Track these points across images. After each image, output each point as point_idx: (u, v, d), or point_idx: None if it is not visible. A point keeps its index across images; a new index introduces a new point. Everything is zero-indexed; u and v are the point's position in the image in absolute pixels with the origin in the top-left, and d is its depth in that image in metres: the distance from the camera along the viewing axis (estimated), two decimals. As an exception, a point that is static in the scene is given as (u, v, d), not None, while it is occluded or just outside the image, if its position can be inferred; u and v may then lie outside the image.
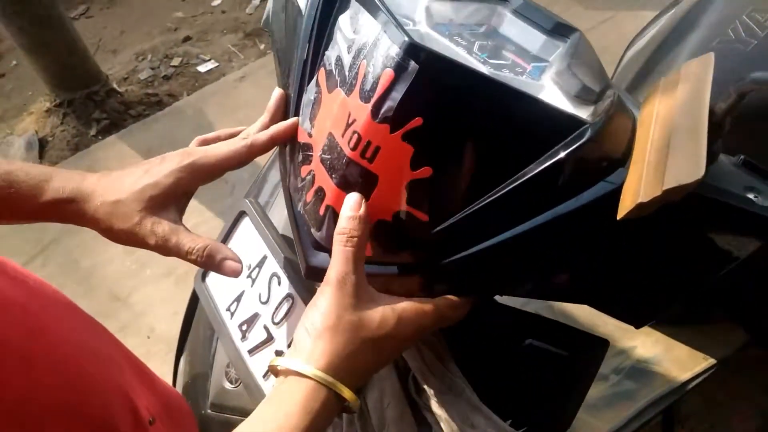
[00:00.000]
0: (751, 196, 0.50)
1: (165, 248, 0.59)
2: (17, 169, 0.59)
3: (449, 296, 0.55)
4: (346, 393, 0.49)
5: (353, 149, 0.52)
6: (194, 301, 0.93)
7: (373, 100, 0.51)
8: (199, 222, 2.10)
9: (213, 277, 0.80)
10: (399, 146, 0.51)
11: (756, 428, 1.52)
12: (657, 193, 0.43)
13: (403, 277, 0.57)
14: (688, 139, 0.44)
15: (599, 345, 0.64)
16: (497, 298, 0.67)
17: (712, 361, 1.26)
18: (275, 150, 0.97)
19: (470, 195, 0.52)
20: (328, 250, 0.60)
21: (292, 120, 0.63)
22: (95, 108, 2.49)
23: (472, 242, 0.53)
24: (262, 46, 2.87)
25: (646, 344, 1.31)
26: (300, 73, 0.62)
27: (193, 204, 2.04)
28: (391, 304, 0.53)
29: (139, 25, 3.13)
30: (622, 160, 0.51)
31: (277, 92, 0.66)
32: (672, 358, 1.29)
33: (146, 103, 2.63)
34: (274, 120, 0.65)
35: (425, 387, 0.65)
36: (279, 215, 0.80)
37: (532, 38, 0.61)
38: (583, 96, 0.52)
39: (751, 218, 0.49)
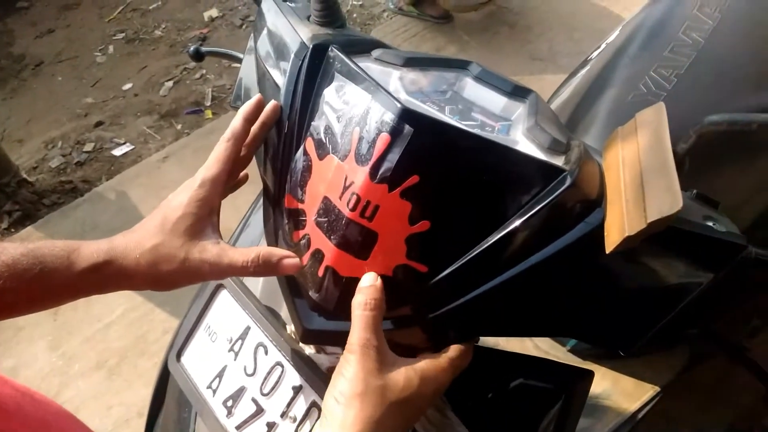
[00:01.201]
0: (710, 224, 0.56)
1: (219, 271, 0.58)
2: (40, 246, 0.57)
3: (456, 345, 0.58)
4: None
5: (353, 210, 0.55)
6: (162, 383, 0.90)
7: (370, 163, 0.54)
8: (129, 308, 2.02)
9: (189, 355, 0.79)
10: (397, 203, 0.54)
11: (700, 452, 1.60)
12: (642, 225, 0.48)
13: (409, 329, 0.59)
14: (660, 177, 0.50)
15: (585, 376, 0.68)
16: (481, 342, 0.70)
17: (656, 388, 1.33)
18: (243, 219, 0.98)
19: (466, 243, 0.56)
20: (328, 312, 0.61)
21: (256, 96, 0.64)
22: (6, 200, 2.37)
23: (470, 288, 0.57)
24: (179, 126, 2.86)
25: (594, 380, 1.37)
26: (285, 144, 0.64)
27: (128, 294, 1.96)
28: (411, 365, 0.55)
29: (46, 113, 3.04)
30: (598, 201, 0.56)
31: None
32: (620, 391, 1.36)
33: (60, 191, 2.54)
34: (246, 119, 0.64)
35: (426, 439, 0.66)
36: (253, 285, 0.80)
37: (494, 100, 0.67)
38: (554, 148, 0.58)
39: (713, 242, 0.55)
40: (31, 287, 0.55)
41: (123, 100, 3.08)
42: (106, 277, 0.57)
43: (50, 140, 2.85)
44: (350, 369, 0.52)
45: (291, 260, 0.58)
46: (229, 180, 0.63)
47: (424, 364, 0.55)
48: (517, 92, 0.66)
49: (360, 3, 3.52)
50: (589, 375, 0.68)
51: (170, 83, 3.12)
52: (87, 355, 1.91)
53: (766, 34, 1.11)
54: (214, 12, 3.58)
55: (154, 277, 0.58)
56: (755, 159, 0.97)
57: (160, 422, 0.88)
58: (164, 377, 0.89)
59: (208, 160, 0.62)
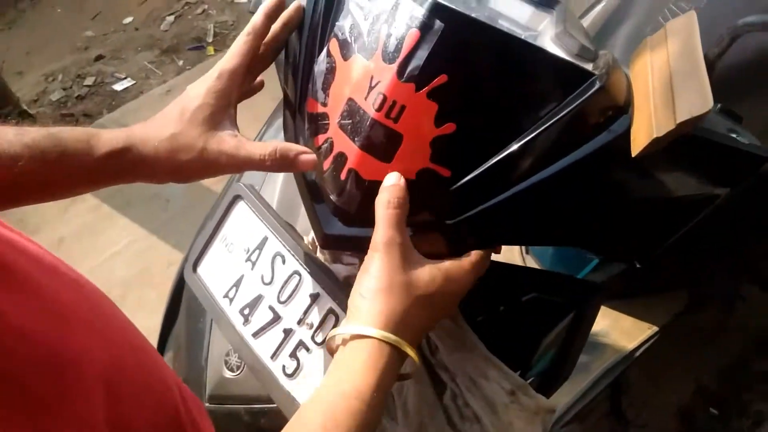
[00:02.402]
0: (733, 136, 0.57)
1: (236, 164, 0.58)
2: (59, 130, 0.56)
3: (477, 251, 0.59)
4: (408, 349, 0.51)
5: (378, 110, 0.55)
6: (176, 297, 0.91)
7: (398, 61, 0.53)
8: (133, 240, 2.03)
9: (206, 266, 0.80)
10: (424, 104, 0.54)
11: (692, 392, 1.64)
12: (671, 126, 0.48)
13: (430, 234, 0.59)
14: (691, 79, 0.50)
15: (596, 289, 0.69)
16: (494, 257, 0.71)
17: (655, 328, 1.36)
18: (259, 133, 0.98)
19: (491, 148, 0.56)
20: (349, 216, 0.62)
21: None
22: (7, 130, 2.35)
23: (492, 194, 0.57)
24: (180, 63, 2.82)
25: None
26: (307, 47, 0.63)
27: (125, 222, 1.99)
28: (435, 264, 0.56)
29: (45, 45, 3.00)
30: (624, 108, 0.56)
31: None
32: (619, 329, 1.38)
33: (61, 124, 2.51)
34: (267, 15, 0.63)
35: (439, 345, 0.67)
36: (270, 197, 0.80)
37: (520, 10, 0.65)
38: (583, 54, 0.57)
39: (736, 153, 0.56)
40: (51, 170, 0.55)
41: (124, 34, 3.03)
42: (125, 164, 0.57)
43: (50, 73, 2.82)
44: (375, 265, 0.53)
45: (308, 156, 0.58)
46: (247, 76, 0.63)
47: (448, 264, 0.56)
48: (545, 2, 0.65)
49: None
50: (599, 290, 0.69)
51: (171, 18, 3.06)
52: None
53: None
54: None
55: (171, 166, 0.58)
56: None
57: (174, 334, 0.90)
58: (178, 291, 0.90)
59: (226, 54, 0.61)
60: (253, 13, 0.73)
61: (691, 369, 1.68)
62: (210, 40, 2.90)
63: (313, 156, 0.58)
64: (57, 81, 2.77)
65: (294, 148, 0.58)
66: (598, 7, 1.27)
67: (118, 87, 2.72)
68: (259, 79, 0.70)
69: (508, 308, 0.70)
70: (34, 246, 0.50)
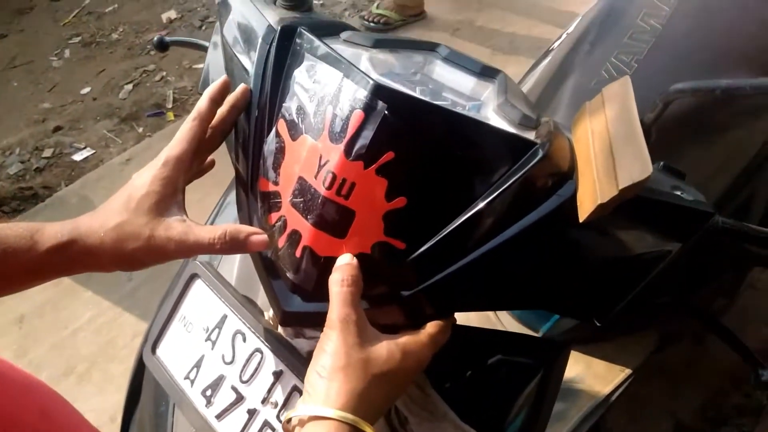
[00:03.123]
0: (678, 193, 0.58)
1: (185, 249, 0.57)
2: (2, 227, 0.56)
3: (435, 321, 0.59)
4: (368, 429, 0.50)
5: (329, 188, 0.55)
6: (137, 380, 0.88)
7: (345, 140, 0.54)
8: (96, 314, 1.98)
9: (165, 347, 0.78)
10: (373, 180, 0.55)
11: (671, 431, 1.64)
12: (614, 192, 0.49)
13: (387, 307, 0.59)
14: (629, 145, 0.52)
15: (562, 349, 0.69)
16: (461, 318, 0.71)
17: (628, 371, 1.36)
18: (215, 209, 0.98)
19: (442, 219, 0.57)
20: (307, 293, 0.61)
21: (222, 78, 0.64)
22: (-37, 207, 2.31)
23: (448, 263, 0.57)
24: (140, 129, 2.82)
25: (568, 365, 1.39)
26: (256, 127, 0.64)
27: (89, 295, 1.94)
28: (392, 339, 0.56)
29: (1, 119, 2.96)
30: (569, 173, 0.57)
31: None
32: (593, 374, 1.38)
33: (20, 198, 2.48)
34: (212, 99, 0.64)
35: (408, 416, 0.66)
36: (228, 274, 0.80)
37: (463, 81, 0.67)
38: (525, 123, 0.59)
39: (682, 211, 0.57)
40: None
41: (81, 104, 3.02)
42: (71, 256, 0.57)
43: (7, 147, 2.78)
44: (331, 344, 0.53)
45: (259, 237, 0.58)
46: (194, 160, 0.63)
47: (406, 339, 0.56)
48: (486, 72, 0.67)
49: (321, 2, 3.52)
50: (566, 348, 0.70)
51: (130, 86, 3.07)
52: (55, 363, 1.86)
53: (720, 19, 1.15)
54: (172, 13, 3.53)
55: (119, 255, 0.57)
56: (719, 133, 1.00)
57: (137, 419, 0.87)
58: (139, 373, 0.88)
59: (172, 140, 0.62)
60: (201, 93, 0.74)
61: (669, 407, 1.68)
62: (170, 105, 2.91)
63: (263, 237, 0.58)
64: (14, 154, 2.73)
65: (244, 230, 0.58)
66: (543, 63, 1.31)
67: (78, 157, 2.69)
68: (209, 159, 0.70)
69: (476, 372, 0.70)
70: None
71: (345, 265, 0.55)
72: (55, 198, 2.40)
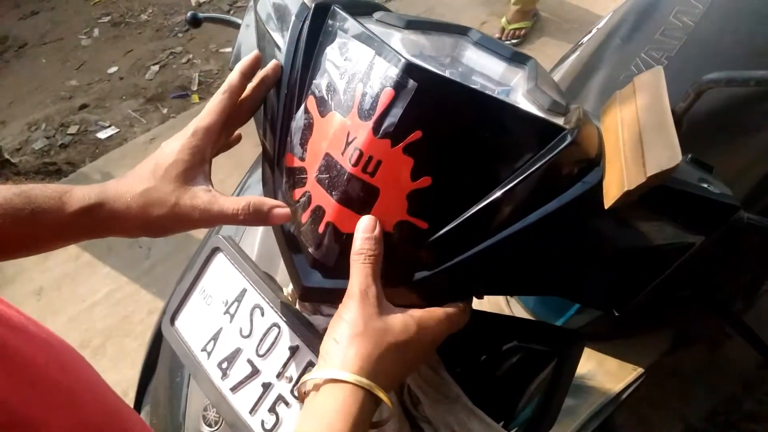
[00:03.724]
0: (705, 185, 0.58)
1: (209, 218, 0.58)
2: (31, 188, 0.57)
3: (456, 303, 0.59)
4: (381, 394, 0.50)
5: (355, 165, 0.56)
6: (154, 350, 0.90)
7: (374, 118, 0.54)
8: (114, 289, 2.01)
9: (183, 319, 0.79)
10: (400, 159, 0.55)
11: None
12: (642, 180, 0.49)
13: (407, 287, 0.59)
14: (659, 133, 0.51)
15: (578, 339, 0.69)
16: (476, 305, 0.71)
17: (640, 370, 1.35)
18: (238, 187, 0.98)
19: (466, 200, 0.57)
20: (327, 269, 0.62)
21: (254, 52, 0.65)
22: (-11, 179, 2.35)
23: (470, 245, 0.58)
24: (164, 111, 2.84)
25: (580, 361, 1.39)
26: (285, 104, 0.64)
27: (107, 270, 1.96)
28: (409, 312, 0.56)
29: (29, 95, 3.01)
30: (596, 160, 0.57)
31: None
32: (604, 372, 1.38)
33: (44, 173, 2.51)
34: (243, 73, 0.65)
35: (421, 397, 0.67)
36: (250, 249, 0.80)
37: (493, 66, 0.67)
38: (554, 109, 0.59)
39: (708, 203, 0.57)
40: (23, 228, 0.55)
41: (108, 83, 3.05)
42: (98, 220, 0.58)
43: (34, 122, 2.82)
44: (350, 313, 0.53)
45: (282, 209, 0.58)
46: (222, 133, 0.63)
47: (422, 313, 0.57)
48: (517, 58, 0.67)
49: None
50: (581, 338, 0.70)
51: (156, 67, 3.09)
52: (70, 336, 1.89)
53: (753, 17, 1.13)
54: (201, -3, 3.55)
55: (144, 221, 0.58)
56: (751, 131, 0.99)
57: (152, 389, 0.88)
58: (156, 344, 0.89)
59: (202, 112, 0.62)
60: (231, 70, 0.75)
61: (679, 410, 1.67)
62: (195, 88, 2.93)
63: (286, 210, 0.59)
64: (40, 130, 2.77)
65: (267, 202, 0.59)
66: (572, 57, 1.30)
67: (102, 135, 2.72)
68: (236, 133, 0.71)
69: (490, 358, 0.70)
70: (2, 306, 0.50)
71: (367, 238, 0.56)
72: (79, 174, 2.43)
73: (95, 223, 0.58)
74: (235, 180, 1.05)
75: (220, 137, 0.64)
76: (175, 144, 0.60)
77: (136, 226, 0.59)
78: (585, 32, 1.44)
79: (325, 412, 0.49)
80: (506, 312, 1.34)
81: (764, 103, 0.99)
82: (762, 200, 1.05)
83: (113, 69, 3.12)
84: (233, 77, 0.63)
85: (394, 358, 0.53)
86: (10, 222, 0.54)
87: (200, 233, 2.10)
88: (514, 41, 2.89)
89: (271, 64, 0.65)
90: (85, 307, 1.97)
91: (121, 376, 1.78)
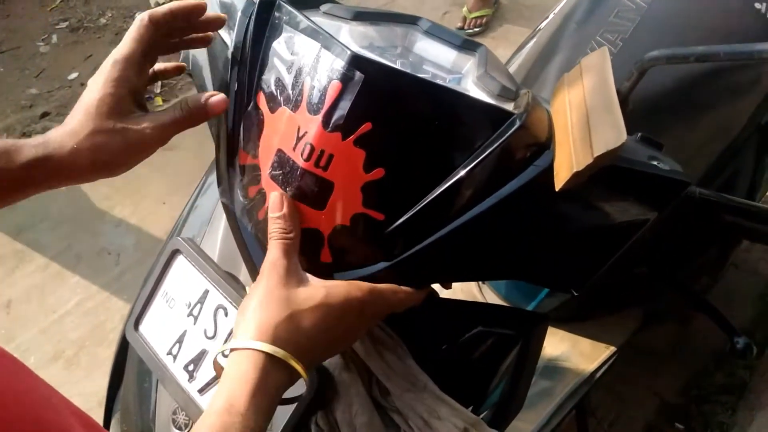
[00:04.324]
0: (654, 163, 0.59)
1: (161, 134, 0.60)
2: None
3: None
4: (293, 362, 0.50)
5: (307, 160, 0.55)
6: (121, 358, 0.89)
7: (323, 111, 0.54)
8: (85, 297, 1.98)
9: (147, 323, 0.78)
10: (351, 151, 0.55)
11: (655, 409, 1.66)
12: (589, 160, 0.50)
13: (368, 279, 0.59)
14: (605, 114, 0.52)
15: (540, 320, 0.70)
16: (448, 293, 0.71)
17: (613, 348, 1.37)
18: (197, 189, 0.97)
19: (421, 190, 0.57)
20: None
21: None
22: (-51, 192, 2.28)
23: (427, 234, 0.58)
24: (129, 115, 2.79)
25: (553, 343, 1.40)
26: (236, 101, 0.64)
27: (76, 279, 1.92)
28: (322, 282, 0.56)
29: (-12, 105, 2.93)
30: (546, 144, 0.58)
31: None
32: (578, 352, 1.40)
33: (7, 183, 2.45)
34: (174, 14, 0.63)
35: (390, 387, 0.67)
36: (211, 250, 0.80)
37: (444, 54, 0.68)
38: (503, 95, 0.59)
39: (658, 180, 0.58)
40: None
41: (69, 89, 2.99)
42: (49, 170, 0.57)
43: (-6, 132, 2.76)
44: (256, 287, 0.54)
45: (217, 98, 0.60)
46: (145, 60, 0.62)
47: (335, 282, 0.56)
48: (467, 45, 0.67)
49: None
50: (543, 319, 0.70)
51: (118, 71, 3.04)
52: (43, 348, 1.86)
53: (703, -2, 1.15)
54: (160, -2, 3.50)
55: (97, 163, 0.58)
56: (703, 110, 1.01)
57: (120, 396, 0.87)
58: (123, 351, 0.88)
59: (120, 43, 0.61)
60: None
61: (654, 386, 1.70)
62: (158, 91, 2.88)
63: (221, 96, 0.60)
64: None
65: (200, 96, 0.60)
66: (530, 43, 1.31)
67: (65, 142, 2.67)
68: (176, 64, 0.71)
69: (456, 344, 0.70)
70: None
71: (276, 218, 0.56)
72: (42, 183, 2.39)
73: (47, 175, 0.58)
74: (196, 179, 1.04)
75: (144, 66, 0.62)
76: (98, 79, 0.59)
77: (90, 170, 0.59)
78: (544, 17, 1.45)
79: (227, 380, 0.49)
80: (479, 298, 1.35)
81: (716, 81, 1.01)
82: (719, 177, 1.07)
83: (74, 75, 3.06)
84: (161, 11, 0.62)
85: (305, 327, 0.52)
86: None
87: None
88: (476, 29, 2.89)
89: (220, 98, 0.62)
90: (56, 318, 1.94)
91: (95, 386, 1.76)
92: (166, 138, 0.61)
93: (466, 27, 2.90)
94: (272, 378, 0.50)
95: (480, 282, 1.36)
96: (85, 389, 1.75)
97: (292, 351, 0.51)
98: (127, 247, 2.10)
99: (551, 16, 1.39)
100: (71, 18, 3.44)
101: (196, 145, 2.42)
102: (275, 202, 0.57)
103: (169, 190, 2.28)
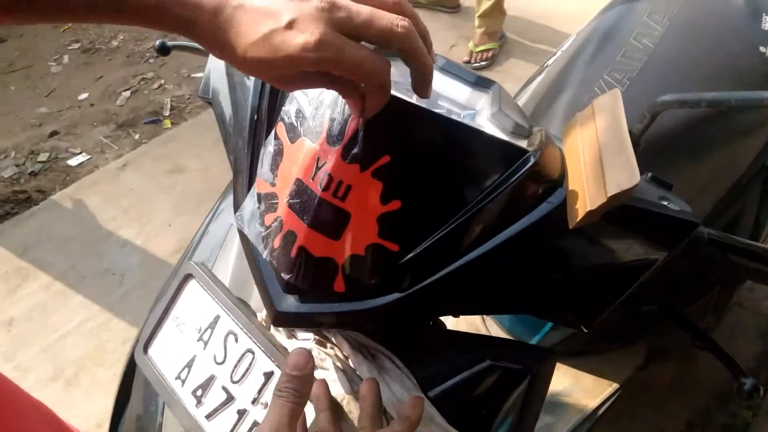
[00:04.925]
0: (665, 203, 0.60)
1: None
2: None
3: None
4: None
5: (325, 189, 0.57)
6: (127, 379, 0.89)
7: (342, 143, 0.56)
8: (87, 317, 1.98)
9: (157, 347, 0.78)
10: (369, 183, 0.56)
11: (657, 446, 1.65)
12: (602, 200, 0.51)
13: (379, 310, 0.60)
14: (618, 154, 0.53)
15: (549, 356, 0.70)
16: (452, 325, 0.72)
17: (616, 385, 1.37)
18: (210, 214, 0.98)
19: (435, 223, 0.58)
20: (299, 294, 0.62)
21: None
22: (-44, 208, 2.30)
23: (440, 267, 0.59)
24: (136, 136, 2.82)
25: (555, 378, 1.40)
26: (255, 130, 0.65)
27: (80, 299, 1.93)
28: None
29: (-3, 123, 2.97)
30: (559, 181, 0.59)
31: None
32: (581, 388, 1.39)
33: (13, 201, 2.47)
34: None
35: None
36: (223, 275, 0.80)
37: (458, 91, 0.69)
38: (517, 132, 0.61)
39: (668, 220, 0.59)
40: None
41: (78, 110, 3.02)
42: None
43: (2, 150, 2.78)
44: None
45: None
46: None
47: None
48: (481, 83, 0.68)
49: None
50: (552, 355, 0.71)
51: (128, 93, 3.08)
52: (43, 367, 1.85)
53: (709, 40, 1.17)
54: (173, 23, 3.55)
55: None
56: (709, 149, 1.03)
57: (126, 418, 0.87)
58: (129, 373, 0.88)
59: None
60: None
61: (657, 423, 1.69)
62: (167, 113, 2.92)
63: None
64: (9, 158, 2.73)
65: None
66: (538, 80, 1.34)
67: (73, 162, 2.69)
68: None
69: (463, 377, 0.71)
70: None
71: (294, 377, 0.53)
72: (49, 202, 2.40)
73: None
74: (208, 204, 1.05)
75: None
76: None
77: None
78: (551, 53, 1.48)
79: None
80: (482, 331, 1.35)
81: (719, 122, 1.02)
82: (723, 216, 1.08)
83: (84, 95, 3.10)
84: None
85: None
86: None
87: (174, 259, 2.09)
88: (482, 63, 2.94)
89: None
90: (58, 338, 1.93)
91: (94, 408, 1.75)
92: None
93: (472, 61, 2.95)
94: None
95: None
96: (84, 411, 1.74)
97: None
98: (132, 268, 2.11)
99: (558, 53, 1.42)
100: (83, 39, 3.50)
101: (204, 169, 2.45)
102: (298, 360, 0.53)
103: (175, 212, 2.29)
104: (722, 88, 1.08)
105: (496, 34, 2.96)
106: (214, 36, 0.48)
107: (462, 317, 1.40)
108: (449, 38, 3.19)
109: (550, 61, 1.43)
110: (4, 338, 1.94)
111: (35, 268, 2.13)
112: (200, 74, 3.10)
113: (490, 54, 2.94)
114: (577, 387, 1.39)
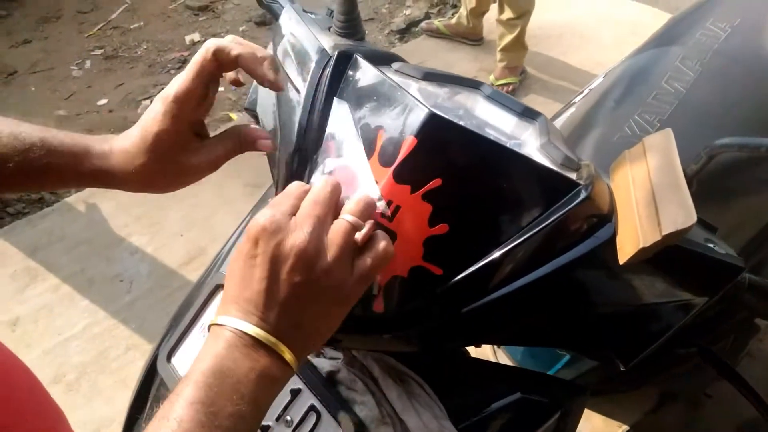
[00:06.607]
0: (711, 246, 0.59)
1: (214, 164, 0.64)
2: (53, 136, 0.61)
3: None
4: (254, 330, 0.49)
5: (373, 209, 0.56)
6: (146, 385, 0.88)
7: (395, 164, 0.56)
8: (92, 322, 1.96)
9: (181, 356, 0.78)
10: (418, 205, 0.56)
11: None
12: (657, 237, 0.51)
13: (416, 331, 0.60)
14: (673, 193, 0.53)
15: (581, 392, 0.69)
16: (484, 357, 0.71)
17: (625, 427, 1.36)
18: (240, 225, 0.98)
19: (481, 249, 0.57)
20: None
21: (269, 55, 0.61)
22: (-31, 205, 2.31)
23: (482, 294, 0.58)
24: (153, 145, 2.83)
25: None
26: (303, 146, 0.65)
27: (86, 303, 1.91)
28: None
29: (16, 122, 2.98)
30: (608, 216, 0.59)
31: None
32: (591, 428, 1.38)
33: (26, 201, 2.47)
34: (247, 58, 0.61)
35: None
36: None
37: (505, 120, 0.69)
38: (567, 164, 0.61)
39: (714, 263, 0.58)
40: (34, 174, 0.61)
41: (97, 115, 3.05)
42: (106, 180, 0.62)
43: (19, 150, 2.79)
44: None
45: (266, 142, 0.64)
46: (207, 91, 0.62)
47: None
48: (527, 113, 0.69)
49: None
50: (584, 392, 0.70)
51: (147, 102, 3.10)
52: (44, 369, 1.83)
53: (740, 86, 1.18)
54: (196, 36, 3.60)
55: (151, 183, 0.63)
56: (748, 194, 1.03)
57: (141, 424, 0.85)
58: (149, 379, 0.87)
59: (182, 74, 0.61)
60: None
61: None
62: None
63: (269, 143, 0.64)
64: (25, 158, 2.74)
65: (254, 131, 0.64)
66: (564, 115, 1.34)
67: (88, 166, 2.70)
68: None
69: (493, 409, 0.70)
70: None
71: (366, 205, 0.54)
72: (63, 204, 2.40)
73: (105, 182, 0.63)
74: (221, 217, 1.04)
75: (205, 97, 0.62)
76: (159, 108, 0.60)
77: (141, 187, 0.63)
78: (571, 90, 1.49)
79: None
80: (493, 360, 1.34)
81: (752, 169, 1.03)
82: (752, 259, 1.08)
83: (103, 101, 3.12)
84: (223, 47, 0.59)
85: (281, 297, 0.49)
86: (23, 166, 0.59)
87: (184, 270, 2.08)
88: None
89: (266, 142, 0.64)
90: (61, 341, 1.92)
91: (93, 414, 1.73)
92: (218, 166, 0.65)
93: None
94: (244, 354, 0.50)
95: (496, 345, 1.35)
96: (83, 417, 1.72)
97: (278, 328, 0.51)
98: (141, 275, 2.10)
99: (587, 91, 1.43)
100: (107, 46, 3.54)
101: (218, 182, 2.46)
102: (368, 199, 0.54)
103: (187, 222, 2.29)
104: (752, 134, 1.09)
105: (517, 69, 2.99)
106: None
107: (472, 348, 1.39)
108: (470, 70, 3.22)
109: (578, 99, 1.44)
110: (8, 338, 1.92)
111: (44, 269, 2.13)
112: (221, 88, 3.13)
113: (510, 88, 2.97)
114: (587, 426, 1.38)
